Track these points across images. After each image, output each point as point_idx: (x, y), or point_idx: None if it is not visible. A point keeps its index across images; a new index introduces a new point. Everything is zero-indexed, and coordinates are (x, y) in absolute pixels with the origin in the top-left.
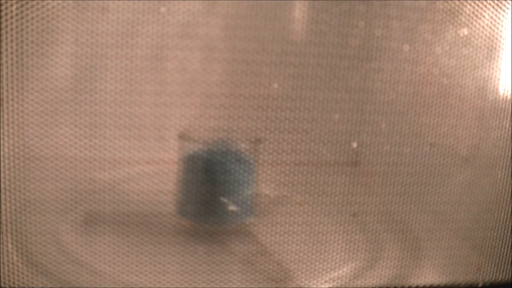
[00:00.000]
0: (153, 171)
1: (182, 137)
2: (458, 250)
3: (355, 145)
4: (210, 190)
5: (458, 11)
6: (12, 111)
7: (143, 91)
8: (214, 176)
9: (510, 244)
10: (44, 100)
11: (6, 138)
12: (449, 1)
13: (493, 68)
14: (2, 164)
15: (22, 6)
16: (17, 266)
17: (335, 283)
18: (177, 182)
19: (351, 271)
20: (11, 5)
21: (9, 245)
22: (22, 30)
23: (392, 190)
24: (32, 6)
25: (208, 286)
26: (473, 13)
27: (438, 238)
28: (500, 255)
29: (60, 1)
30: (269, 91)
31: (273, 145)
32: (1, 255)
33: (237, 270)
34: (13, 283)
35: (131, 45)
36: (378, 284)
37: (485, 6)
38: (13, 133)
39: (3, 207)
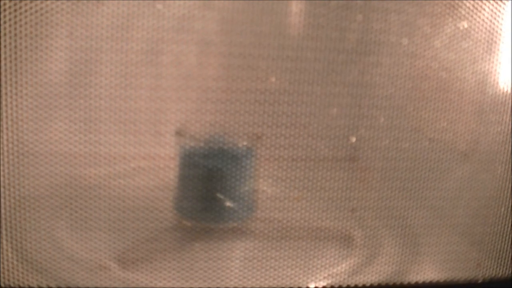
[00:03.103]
0: (149, 166)
1: (179, 132)
2: (457, 246)
3: (353, 140)
4: (208, 186)
5: (457, 4)
6: (6, 105)
7: (138, 86)
8: (212, 172)
9: (510, 239)
10: (39, 94)
11: (0, 134)
12: None
13: (493, 62)
14: None
15: None
16: (12, 263)
17: (333, 279)
18: (174, 178)
19: (349, 267)
20: None
21: (4, 242)
22: (16, 23)
23: (390, 186)
24: None
25: (206, 284)
26: (473, 6)
27: (437, 234)
28: (500, 251)
29: None
30: (266, 86)
31: (271, 140)
32: None
33: (235, 267)
34: (8, 280)
35: (127, 39)
36: (377, 280)
37: None
38: (7, 128)
39: None
